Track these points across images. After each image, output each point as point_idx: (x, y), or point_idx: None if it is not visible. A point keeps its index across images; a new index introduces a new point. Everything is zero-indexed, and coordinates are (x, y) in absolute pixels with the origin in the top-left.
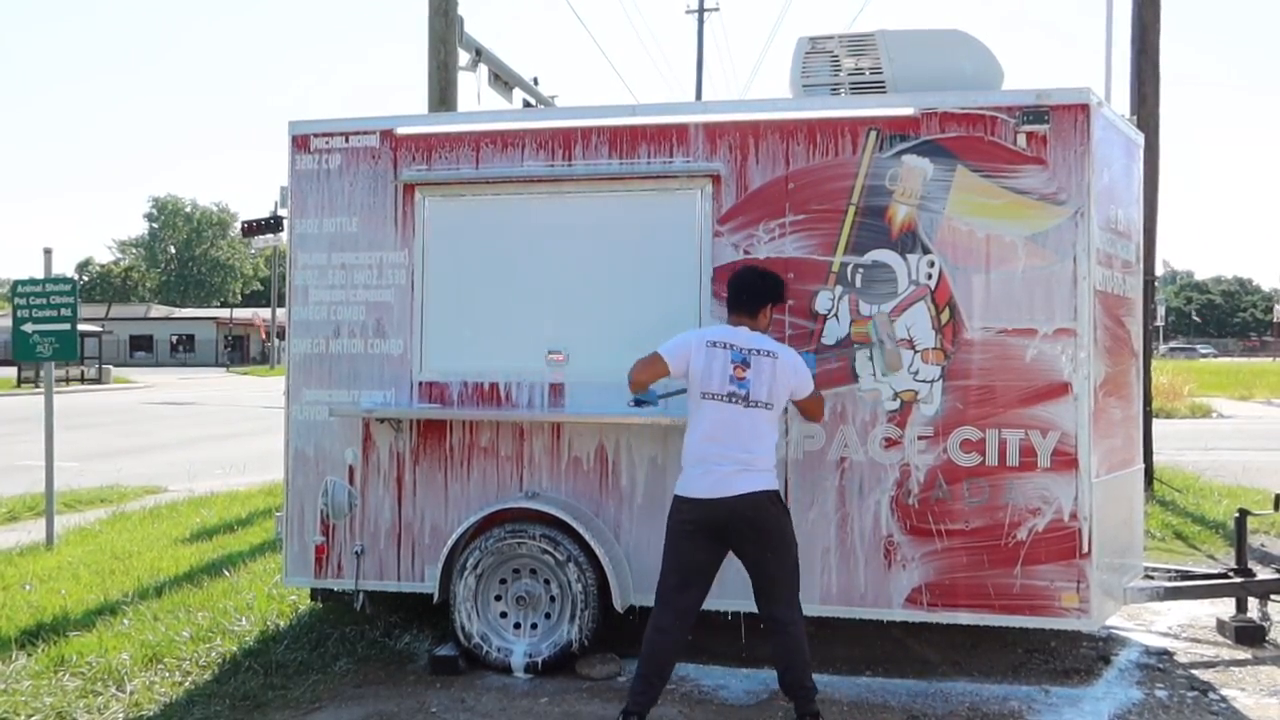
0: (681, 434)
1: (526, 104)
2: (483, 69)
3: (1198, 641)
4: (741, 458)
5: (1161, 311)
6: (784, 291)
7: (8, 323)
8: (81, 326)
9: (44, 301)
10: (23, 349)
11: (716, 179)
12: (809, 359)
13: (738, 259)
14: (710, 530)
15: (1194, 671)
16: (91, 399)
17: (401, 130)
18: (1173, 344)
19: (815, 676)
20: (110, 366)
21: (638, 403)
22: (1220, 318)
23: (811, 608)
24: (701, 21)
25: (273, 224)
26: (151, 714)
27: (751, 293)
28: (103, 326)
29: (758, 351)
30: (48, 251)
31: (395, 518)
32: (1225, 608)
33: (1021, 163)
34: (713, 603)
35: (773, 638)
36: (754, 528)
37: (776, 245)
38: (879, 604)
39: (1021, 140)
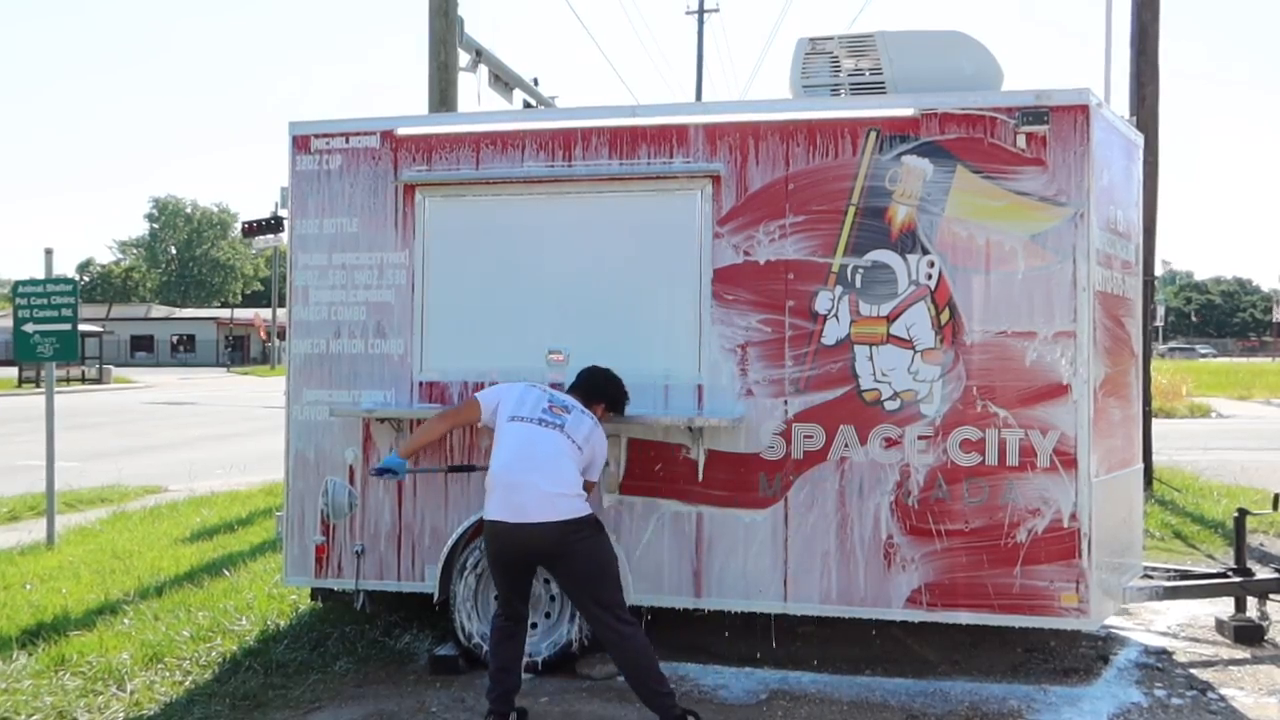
0: (683, 434)
1: (527, 104)
2: (483, 70)
3: (1197, 641)
4: (549, 476)
5: (1161, 312)
6: (622, 404)
7: (9, 323)
8: (82, 327)
9: (45, 302)
10: (24, 349)
11: (716, 180)
12: None
13: (738, 260)
14: (516, 554)
15: (1193, 671)
16: (92, 399)
17: (402, 131)
18: (1172, 344)
19: (815, 675)
20: (111, 367)
21: (379, 472)
22: (1220, 318)
23: (813, 607)
24: (701, 22)
25: (273, 224)
26: (152, 713)
27: (592, 386)
28: (103, 327)
29: (581, 410)
30: (48, 252)
31: (395, 518)
32: (1224, 607)
33: (1021, 164)
34: (712, 602)
35: (610, 652)
36: (558, 556)
37: (777, 246)
38: (879, 604)
39: (1021, 141)
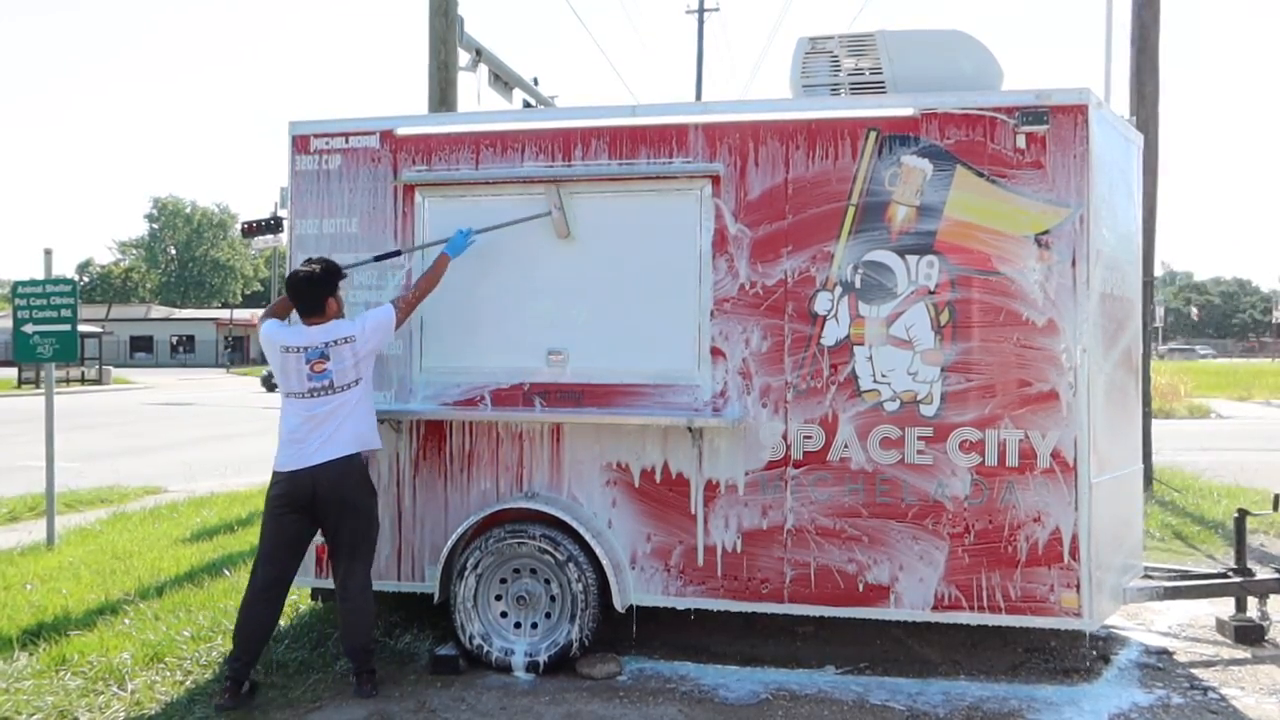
0: (683, 436)
1: (526, 104)
2: (483, 69)
3: (1197, 641)
4: (328, 434)
5: (1160, 312)
6: (338, 271)
7: (8, 324)
8: (82, 327)
9: (44, 302)
10: (23, 350)
11: (716, 180)
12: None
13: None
14: (298, 503)
15: (1193, 671)
16: (92, 400)
17: (401, 131)
18: (1171, 345)
19: (816, 675)
20: (110, 367)
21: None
22: (1219, 319)
23: (813, 607)
24: (701, 21)
25: (273, 225)
26: (153, 713)
27: (306, 295)
28: (103, 327)
29: (335, 342)
30: (48, 252)
31: (395, 518)
32: (1225, 607)
33: (1021, 164)
34: (705, 602)
35: (343, 604)
36: (336, 494)
37: None
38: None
39: (1021, 141)
